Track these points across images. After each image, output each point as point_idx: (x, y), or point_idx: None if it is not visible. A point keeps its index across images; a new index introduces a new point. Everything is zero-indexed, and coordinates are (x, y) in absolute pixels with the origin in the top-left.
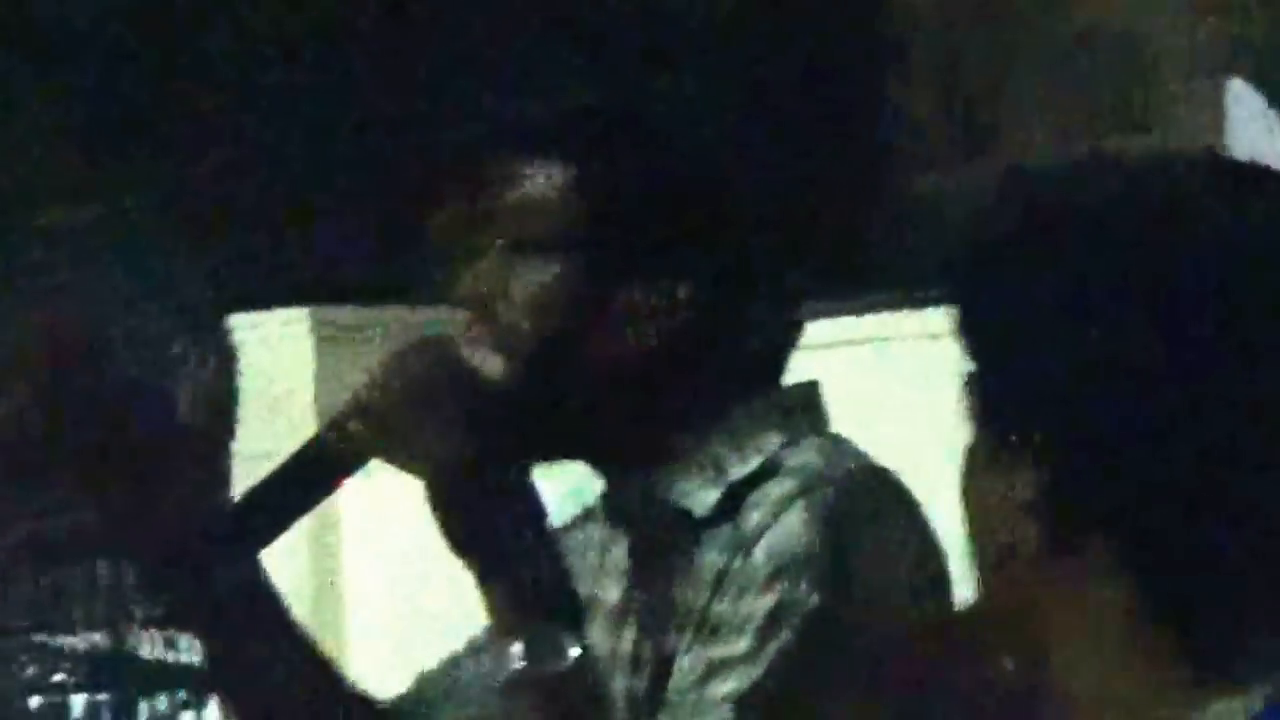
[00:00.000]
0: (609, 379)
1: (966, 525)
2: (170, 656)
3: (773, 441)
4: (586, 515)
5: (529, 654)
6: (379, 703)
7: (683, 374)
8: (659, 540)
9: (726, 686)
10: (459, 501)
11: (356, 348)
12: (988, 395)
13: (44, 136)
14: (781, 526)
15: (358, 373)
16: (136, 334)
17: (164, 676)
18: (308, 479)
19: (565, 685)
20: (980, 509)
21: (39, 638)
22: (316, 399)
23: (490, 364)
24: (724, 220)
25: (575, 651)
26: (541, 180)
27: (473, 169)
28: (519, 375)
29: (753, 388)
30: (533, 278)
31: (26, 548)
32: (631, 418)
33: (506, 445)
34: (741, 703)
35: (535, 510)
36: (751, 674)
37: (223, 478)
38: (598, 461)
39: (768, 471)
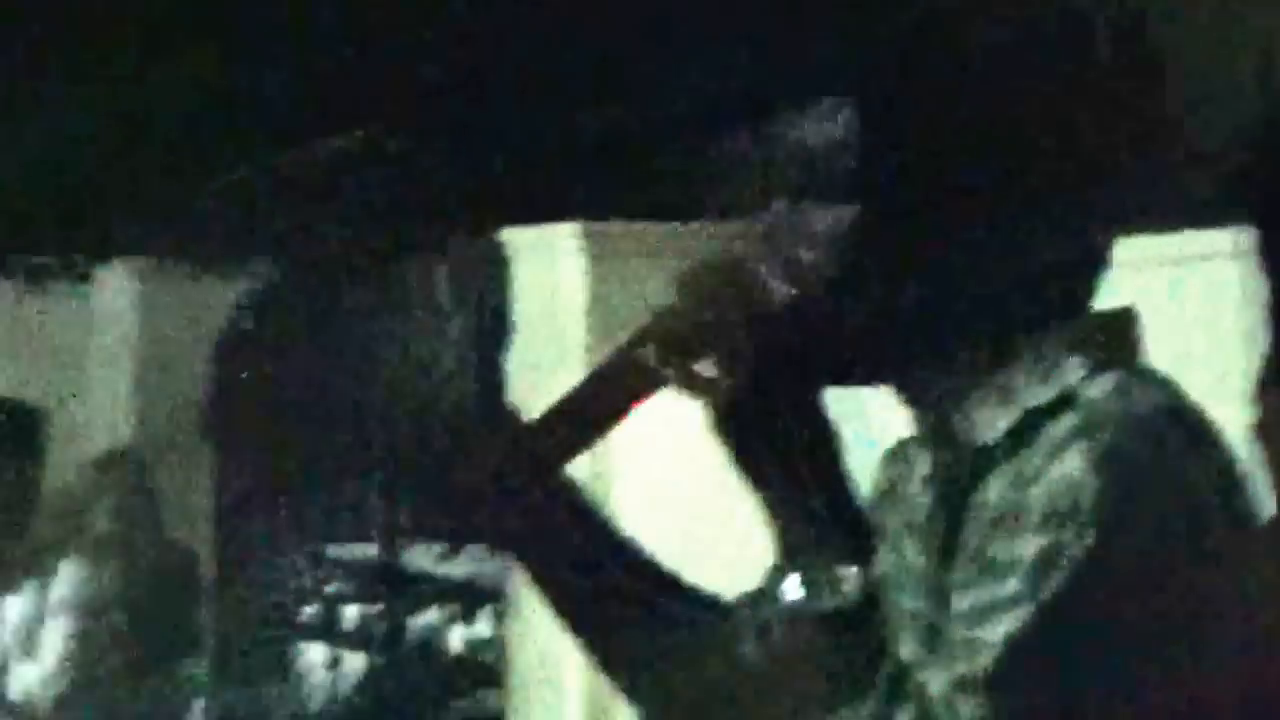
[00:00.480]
0: (901, 309)
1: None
2: (440, 570)
3: (1074, 371)
4: (894, 451)
5: (808, 589)
6: (714, 599)
7: (979, 304)
8: (949, 471)
9: (1000, 629)
10: (751, 426)
11: (628, 264)
12: None
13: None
14: (1060, 466)
15: (629, 289)
16: (414, 248)
17: (434, 590)
18: (603, 401)
19: (846, 621)
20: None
21: (312, 549)
22: (588, 314)
23: (782, 290)
24: (1015, 154)
25: (856, 588)
26: (829, 123)
27: (761, 110)
28: (812, 303)
29: (1058, 314)
30: (822, 224)
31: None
32: (927, 344)
33: (800, 369)
34: (1014, 646)
35: (828, 437)
36: (1023, 617)
37: (500, 391)
38: (891, 387)
39: (1064, 403)
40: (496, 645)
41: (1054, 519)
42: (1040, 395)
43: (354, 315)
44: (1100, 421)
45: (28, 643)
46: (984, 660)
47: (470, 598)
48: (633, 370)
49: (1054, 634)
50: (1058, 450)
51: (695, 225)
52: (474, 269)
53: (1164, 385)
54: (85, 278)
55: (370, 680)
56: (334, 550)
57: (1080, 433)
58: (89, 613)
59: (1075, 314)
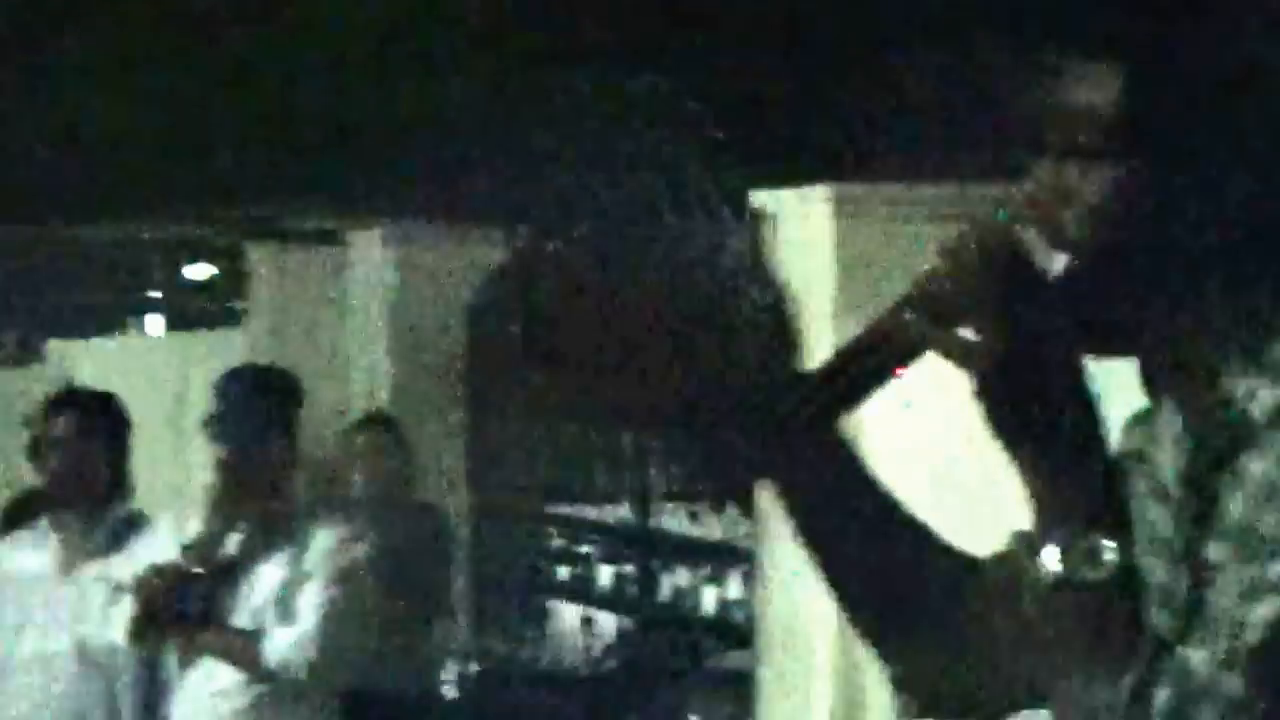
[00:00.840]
0: (1165, 278)
1: None
2: (694, 530)
3: None
4: (1139, 419)
5: (1066, 561)
6: (971, 558)
7: (1243, 275)
8: (1212, 444)
9: (1266, 609)
10: (1014, 395)
11: (875, 225)
12: None
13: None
14: None
15: (876, 250)
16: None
17: (687, 550)
18: (868, 363)
19: (1102, 597)
20: None
21: (566, 510)
22: (836, 275)
23: (1048, 258)
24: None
25: (1115, 561)
26: (1097, 86)
27: (1032, 73)
28: (1078, 271)
29: None
30: (1086, 188)
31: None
32: (1191, 314)
33: (1062, 337)
34: None
35: (1090, 407)
36: None
37: (794, 344)
38: (1154, 358)
39: None
40: (746, 606)
41: None
42: None
43: (624, 271)
44: None
45: (284, 607)
46: (1251, 638)
47: (720, 560)
48: (897, 334)
49: None
50: None
51: (950, 187)
52: (740, 229)
53: None
54: (342, 242)
55: (623, 640)
56: (589, 512)
57: None
58: (345, 577)
59: None
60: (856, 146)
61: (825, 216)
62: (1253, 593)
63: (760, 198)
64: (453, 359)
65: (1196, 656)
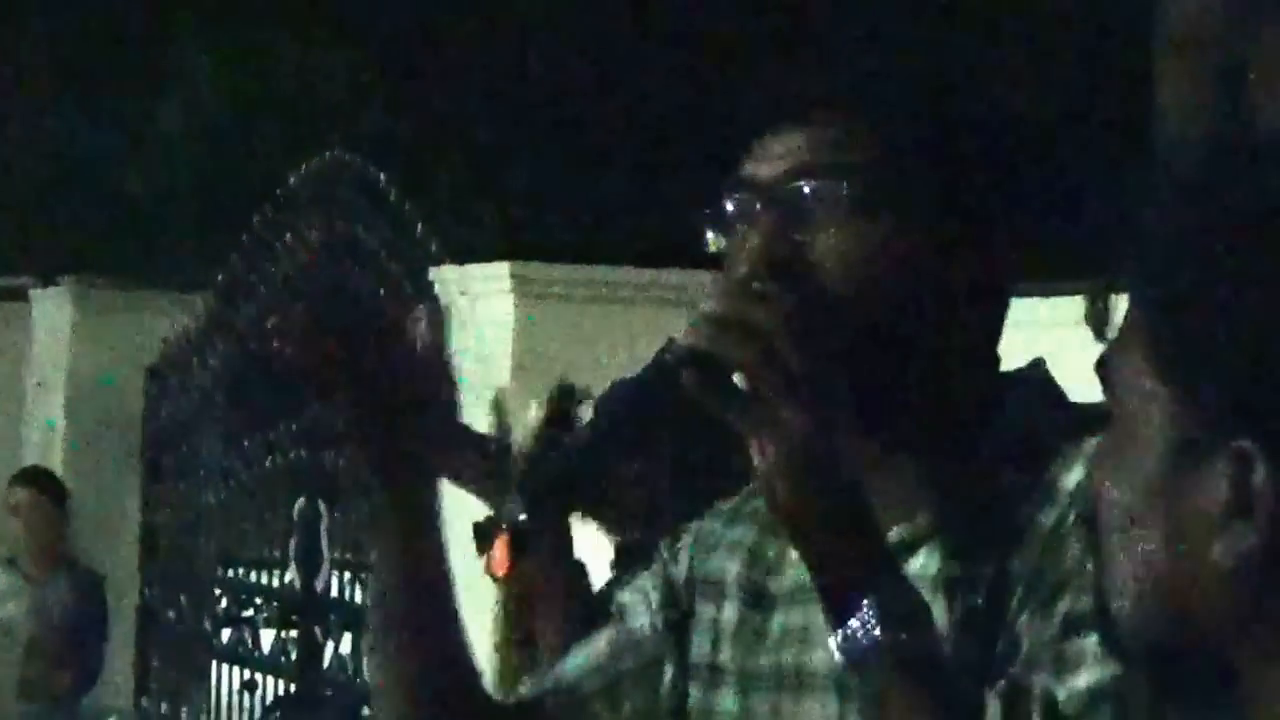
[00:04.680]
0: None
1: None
2: (359, 597)
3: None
4: None
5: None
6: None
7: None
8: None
9: (1087, 642)
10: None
11: (556, 305)
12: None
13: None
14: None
15: (556, 328)
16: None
17: (353, 616)
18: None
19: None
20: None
21: (232, 574)
22: (514, 353)
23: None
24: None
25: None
26: (832, 145)
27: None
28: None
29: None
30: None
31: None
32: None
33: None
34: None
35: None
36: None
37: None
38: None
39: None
40: None
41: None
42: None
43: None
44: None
45: None
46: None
47: None
48: None
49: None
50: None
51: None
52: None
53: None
54: (24, 298)
55: (281, 704)
56: (253, 576)
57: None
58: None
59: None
60: (538, 226)
61: (506, 293)
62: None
63: (442, 274)
64: (130, 420)
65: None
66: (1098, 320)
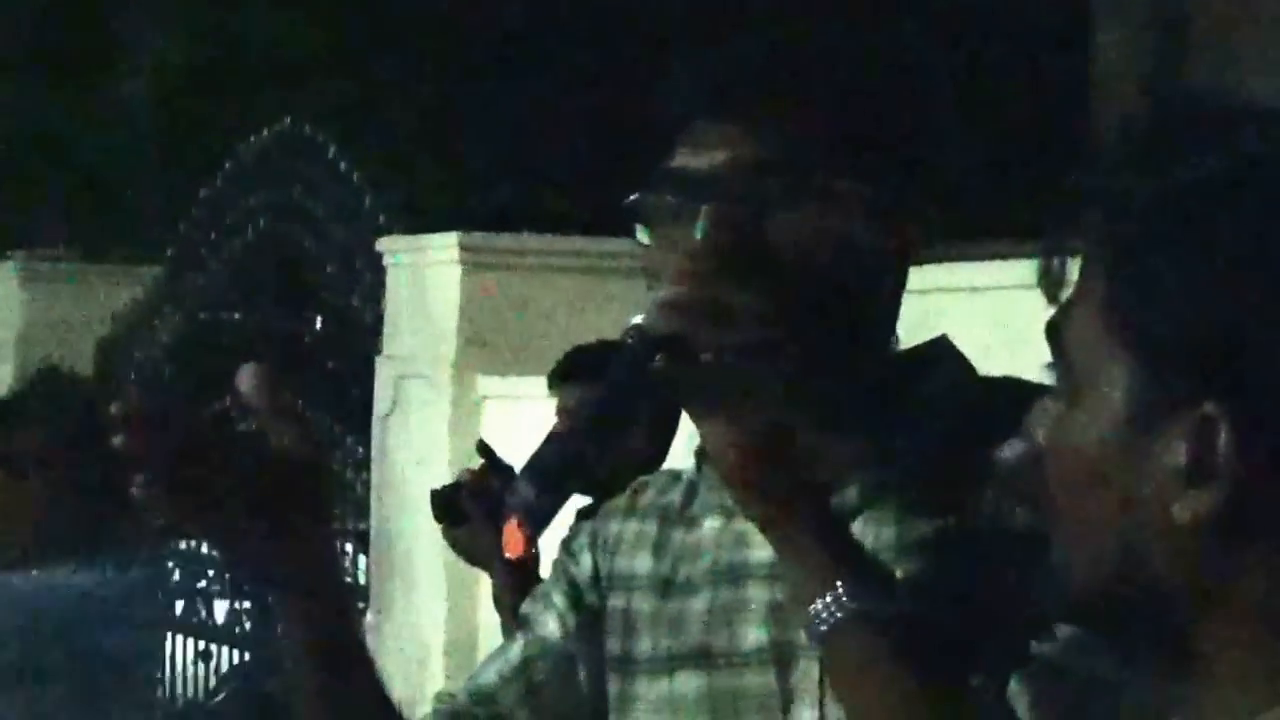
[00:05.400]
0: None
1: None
2: None
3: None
4: None
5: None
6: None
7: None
8: None
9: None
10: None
11: (499, 273)
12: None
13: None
14: None
15: (504, 298)
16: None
17: None
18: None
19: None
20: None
21: (185, 545)
22: (459, 320)
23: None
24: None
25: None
26: (748, 134)
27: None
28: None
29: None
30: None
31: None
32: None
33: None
34: None
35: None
36: None
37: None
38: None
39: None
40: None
41: None
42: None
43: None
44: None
45: None
46: None
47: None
48: None
49: None
50: None
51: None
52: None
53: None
54: None
55: (235, 672)
56: (205, 548)
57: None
58: None
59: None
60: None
61: (452, 264)
62: None
63: (387, 244)
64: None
65: None
66: (1051, 284)
